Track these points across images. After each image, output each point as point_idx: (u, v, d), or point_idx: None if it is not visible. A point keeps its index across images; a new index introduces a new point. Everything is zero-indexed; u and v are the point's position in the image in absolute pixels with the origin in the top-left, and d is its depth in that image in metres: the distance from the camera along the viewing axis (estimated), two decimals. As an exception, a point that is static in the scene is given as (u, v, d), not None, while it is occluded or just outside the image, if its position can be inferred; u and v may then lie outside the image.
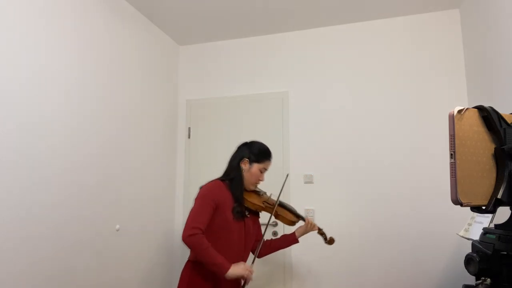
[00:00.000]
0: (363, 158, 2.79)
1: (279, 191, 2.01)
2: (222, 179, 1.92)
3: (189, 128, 3.26)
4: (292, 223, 2.03)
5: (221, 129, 3.16)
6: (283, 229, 2.87)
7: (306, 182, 2.89)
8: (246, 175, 1.91)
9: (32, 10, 1.86)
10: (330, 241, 2.10)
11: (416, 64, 2.78)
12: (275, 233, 2.89)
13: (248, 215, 1.93)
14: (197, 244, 1.68)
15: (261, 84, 3.14)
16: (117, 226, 2.42)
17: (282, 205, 2.04)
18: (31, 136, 1.81)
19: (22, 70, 1.78)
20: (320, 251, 2.78)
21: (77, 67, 2.14)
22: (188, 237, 1.68)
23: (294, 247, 2.81)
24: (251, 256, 1.95)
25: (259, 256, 2.02)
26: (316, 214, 2.84)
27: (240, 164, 1.92)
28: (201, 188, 1.85)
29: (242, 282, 1.78)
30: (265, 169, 1.96)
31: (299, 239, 2.07)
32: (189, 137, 3.24)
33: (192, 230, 1.69)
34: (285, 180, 2.13)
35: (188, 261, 1.84)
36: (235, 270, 1.69)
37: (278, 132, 3.01)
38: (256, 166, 1.91)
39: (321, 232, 2.09)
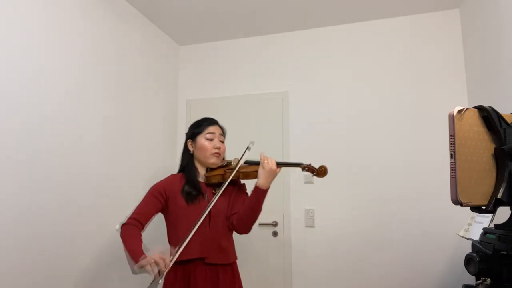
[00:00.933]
0: (363, 158, 2.79)
1: (241, 156, 1.75)
2: (179, 171, 1.86)
3: (189, 128, 3.25)
4: None
5: (221, 129, 3.14)
6: (283, 229, 2.88)
7: (306, 182, 2.89)
8: (197, 153, 1.80)
9: (32, 10, 1.86)
10: (320, 172, 1.69)
11: (416, 64, 2.78)
12: (275, 233, 2.89)
13: (216, 191, 1.75)
14: (122, 233, 1.62)
15: (261, 84, 3.13)
16: (117, 226, 2.40)
17: (247, 162, 1.76)
18: (31, 136, 1.81)
19: (22, 70, 1.78)
20: (320, 250, 2.78)
21: (77, 67, 2.14)
22: (121, 227, 1.64)
23: (293, 247, 2.85)
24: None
25: (244, 230, 1.76)
26: (316, 214, 2.84)
27: (188, 148, 1.84)
28: None
29: (153, 274, 1.47)
30: (213, 134, 1.81)
31: (277, 185, 1.74)
32: (189, 137, 3.24)
33: (126, 220, 1.67)
34: (247, 148, 1.77)
35: None
36: (142, 261, 1.47)
37: (278, 132, 3.01)
38: (200, 138, 1.80)
39: (303, 167, 1.72)
